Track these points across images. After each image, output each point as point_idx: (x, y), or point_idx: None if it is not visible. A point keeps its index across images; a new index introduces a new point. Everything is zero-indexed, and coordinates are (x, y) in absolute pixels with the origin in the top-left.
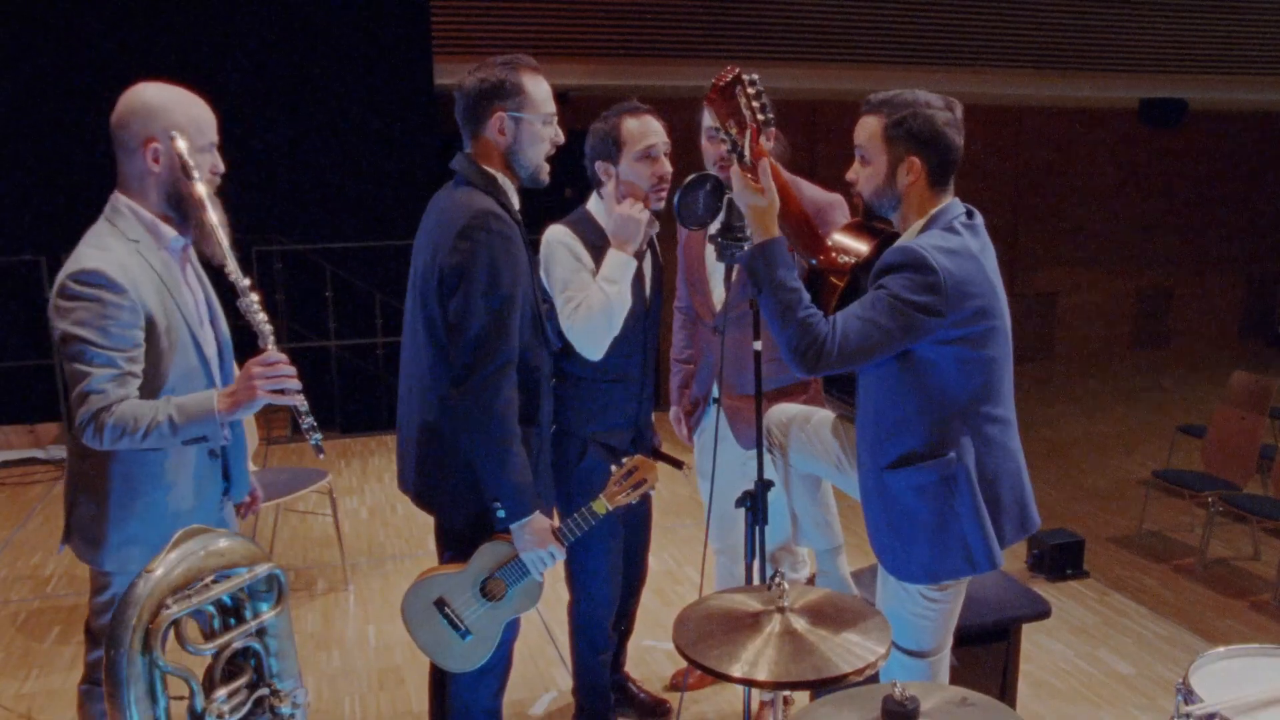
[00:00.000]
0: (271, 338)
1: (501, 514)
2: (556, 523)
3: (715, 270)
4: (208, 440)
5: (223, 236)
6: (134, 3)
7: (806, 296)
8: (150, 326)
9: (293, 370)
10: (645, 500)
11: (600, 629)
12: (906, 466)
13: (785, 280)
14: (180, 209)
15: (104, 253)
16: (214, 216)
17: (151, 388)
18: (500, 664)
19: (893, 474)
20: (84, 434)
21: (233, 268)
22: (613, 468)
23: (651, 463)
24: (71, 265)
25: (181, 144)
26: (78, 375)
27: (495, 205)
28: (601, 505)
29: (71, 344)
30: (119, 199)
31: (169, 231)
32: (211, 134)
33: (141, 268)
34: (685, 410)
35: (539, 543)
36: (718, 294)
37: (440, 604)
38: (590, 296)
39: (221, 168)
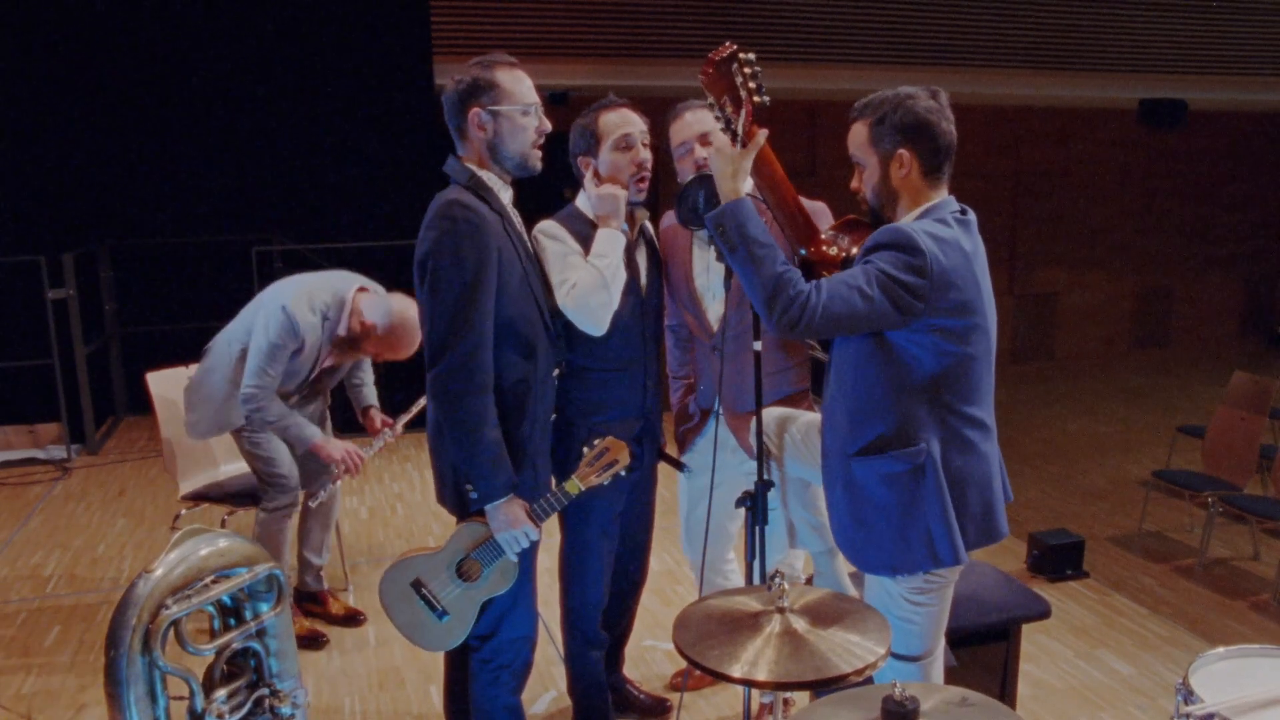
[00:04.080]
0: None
1: (474, 496)
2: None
3: (708, 289)
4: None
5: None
6: (133, 4)
7: (781, 254)
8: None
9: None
10: (648, 501)
11: (591, 624)
12: (876, 455)
13: (758, 235)
14: None
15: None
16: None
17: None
18: (518, 661)
19: (860, 462)
20: None
21: None
22: (584, 449)
23: (622, 444)
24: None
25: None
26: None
27: (469, 198)
28: (574, 485)
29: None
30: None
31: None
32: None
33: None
34: (684, 428)
35: (512, 523)
36: (713, 312)
37: (417, 585)
38: (582, 275)
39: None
